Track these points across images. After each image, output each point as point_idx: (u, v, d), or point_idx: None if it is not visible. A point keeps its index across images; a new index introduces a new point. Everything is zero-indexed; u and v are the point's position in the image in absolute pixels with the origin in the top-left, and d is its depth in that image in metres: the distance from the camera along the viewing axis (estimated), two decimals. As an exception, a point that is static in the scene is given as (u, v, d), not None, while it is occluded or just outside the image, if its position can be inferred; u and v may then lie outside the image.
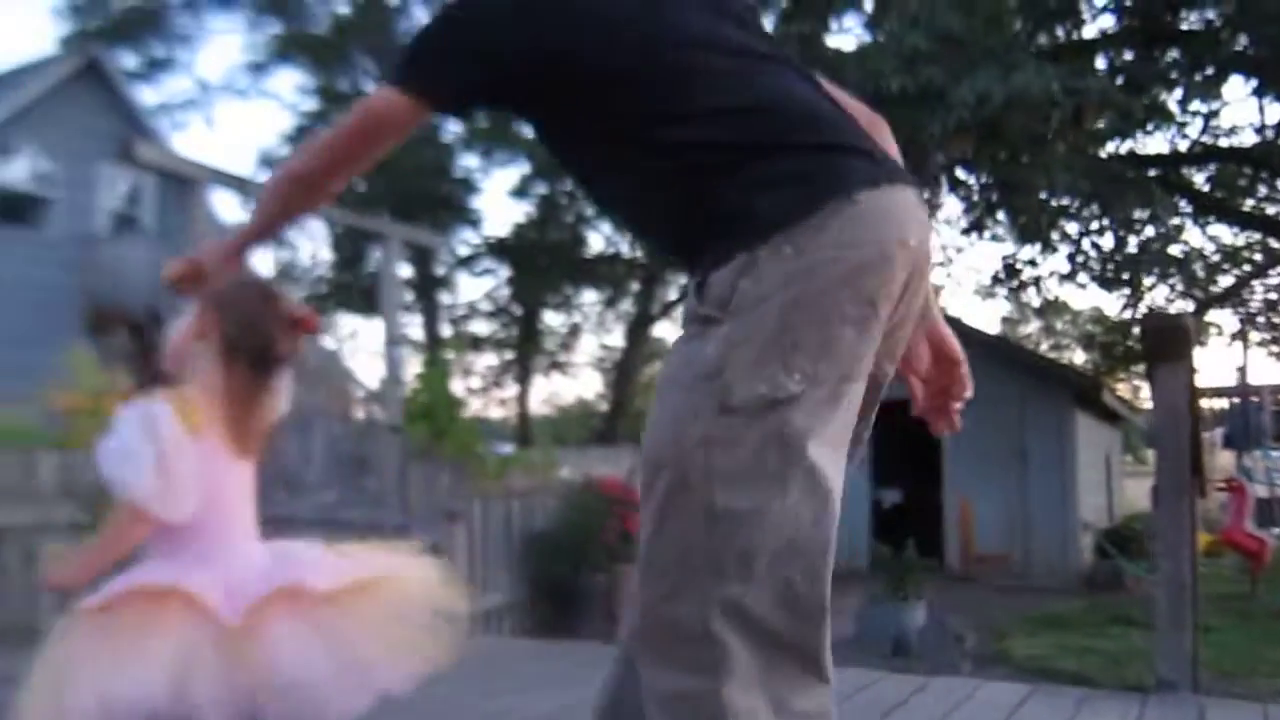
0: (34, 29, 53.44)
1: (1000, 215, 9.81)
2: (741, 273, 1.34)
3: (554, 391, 33.81)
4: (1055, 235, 10.96)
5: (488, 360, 22.28)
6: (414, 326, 18.89)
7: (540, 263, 18.89)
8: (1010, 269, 10.73)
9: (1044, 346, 29.65)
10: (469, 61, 1.50)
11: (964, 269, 22.95)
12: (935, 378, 1.67)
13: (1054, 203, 10.23)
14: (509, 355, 21.95)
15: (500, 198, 37.17)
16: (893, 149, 1.58)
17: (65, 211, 14.95)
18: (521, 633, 7.97)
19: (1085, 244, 11.36)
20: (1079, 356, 27.24)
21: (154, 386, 1.89)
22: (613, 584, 8.64)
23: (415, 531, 5.74)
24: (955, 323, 12.70)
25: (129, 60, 21.21)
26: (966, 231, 10.15)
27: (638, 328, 20.84)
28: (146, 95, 19.98)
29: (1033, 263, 10.66)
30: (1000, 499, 12.64)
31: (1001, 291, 15.05)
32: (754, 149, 1.42)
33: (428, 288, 19.61)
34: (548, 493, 8.58)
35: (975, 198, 9.55)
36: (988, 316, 46.57)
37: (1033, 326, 32.72)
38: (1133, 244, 11.38)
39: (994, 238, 10.73)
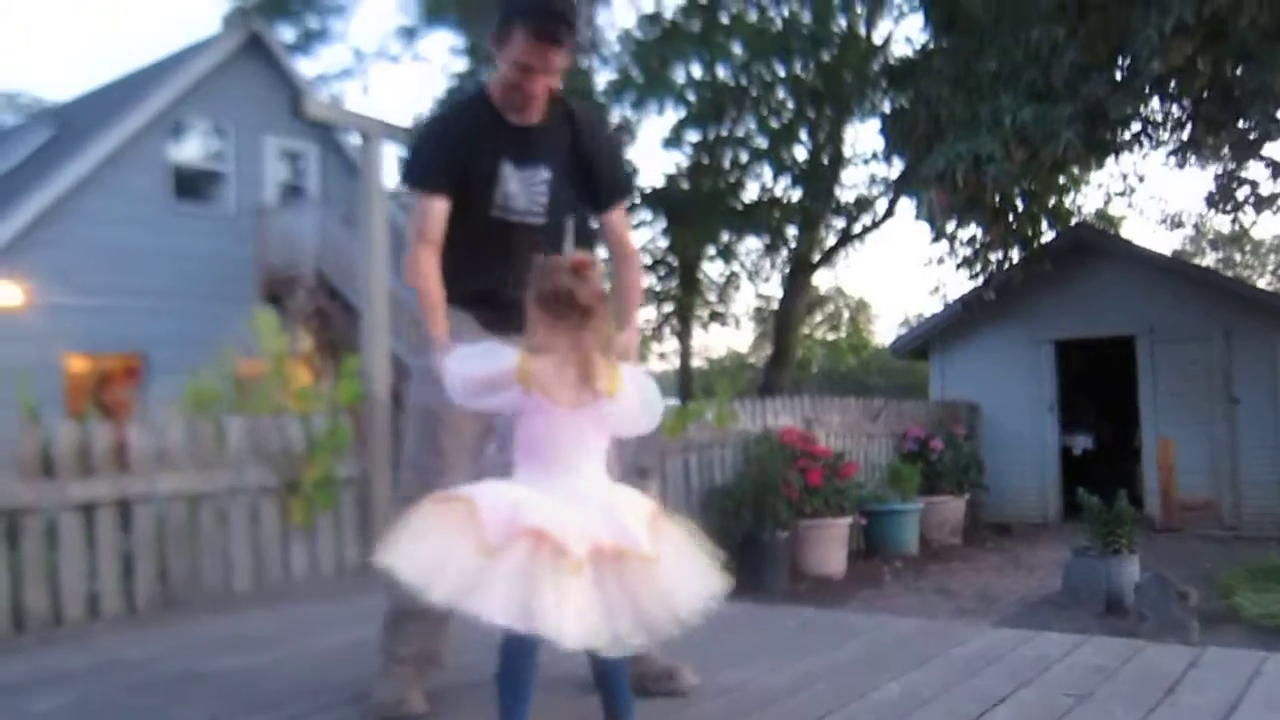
0: (203, 10, 55.67)
1: (1213, 133, 8.79)
2: None
3: (705, 344, 33.53)
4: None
5: (645, 314, 22.14)
6: (571, 283, 18.78)
7: (697, 211, 18.49)
8: (1225, 189, 9.71)
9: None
10: None
11: (1145, 198, 21.40)
12: None
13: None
14: (667, 308, 21.72)
15: (652, 148, 36.90)
16: None
17: (236, 184, 15.43)
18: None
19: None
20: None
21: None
22: (796, 539, 8.32)
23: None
24: (1149, 254, 11.68)
25: (287, 33, 21.71)
26: (1176, 152, 9.18)
27: (796, 274, 20.24)
28: (305, 67, 20.37)
29: (1252, 183, 9.59)
30: (1204, 441, 11.72)
31: (1210, 214, 13.69)
32: None
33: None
34: (725, 445, 8.31)
35: (1184, 114, 8.58)
36: (1161, 248, 44.00)
37: (1210, 259, 30.67)
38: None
39: (1197, 159, 9.72)
